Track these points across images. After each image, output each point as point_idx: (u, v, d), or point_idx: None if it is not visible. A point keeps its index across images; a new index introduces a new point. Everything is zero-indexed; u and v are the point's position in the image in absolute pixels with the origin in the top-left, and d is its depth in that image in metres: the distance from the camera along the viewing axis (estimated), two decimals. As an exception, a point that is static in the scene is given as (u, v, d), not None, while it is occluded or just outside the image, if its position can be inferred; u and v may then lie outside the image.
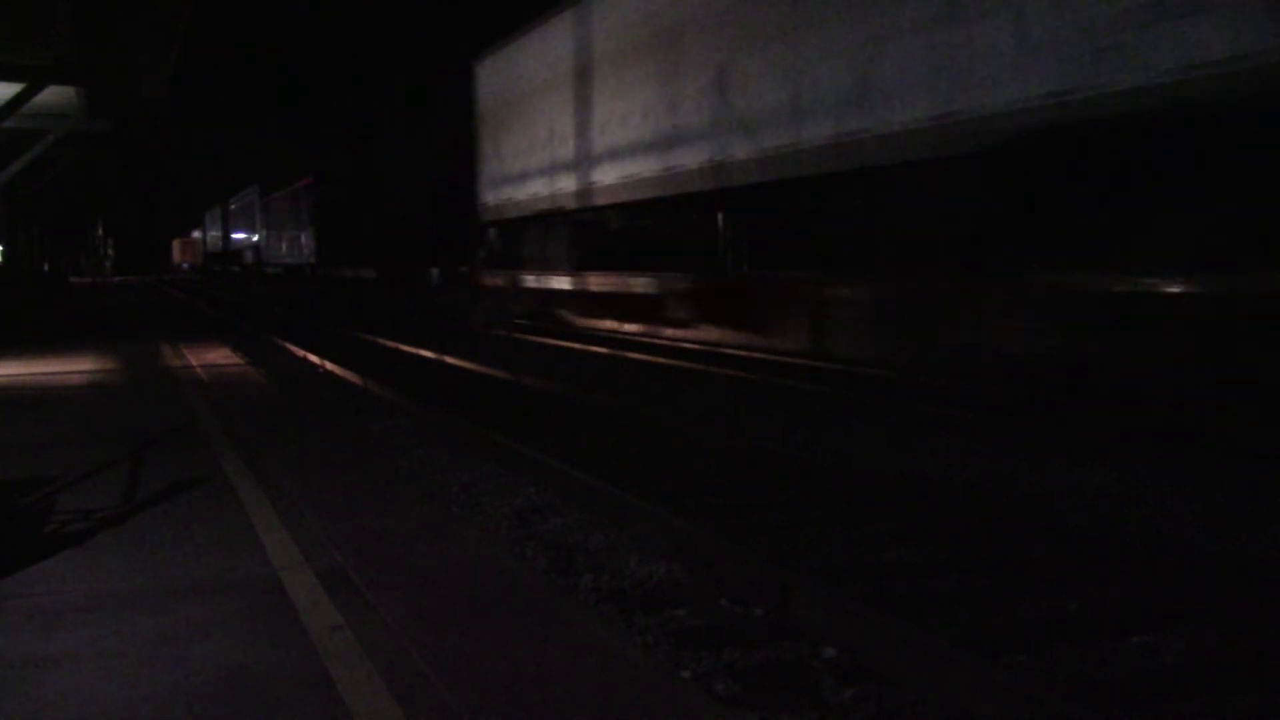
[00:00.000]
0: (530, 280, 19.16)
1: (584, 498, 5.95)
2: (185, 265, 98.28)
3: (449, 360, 13.72)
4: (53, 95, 13.66)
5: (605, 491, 5.80)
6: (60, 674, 3.17)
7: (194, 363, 12.31)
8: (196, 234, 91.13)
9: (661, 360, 13.07)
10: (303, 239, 41.11)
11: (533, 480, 6.56)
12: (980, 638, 3.92)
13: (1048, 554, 4.82)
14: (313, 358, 14.12)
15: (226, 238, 65.19)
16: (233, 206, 62.61)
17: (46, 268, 33.84)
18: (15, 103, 12.98)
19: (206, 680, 3.11)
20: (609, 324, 16.41)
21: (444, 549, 4.44)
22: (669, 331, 14.39)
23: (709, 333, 13.44)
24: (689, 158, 13.45)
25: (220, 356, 13.17)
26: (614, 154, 15.58)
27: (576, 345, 15.47)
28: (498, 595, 3.85)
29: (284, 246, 45.43)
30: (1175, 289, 7.36)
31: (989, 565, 4.82)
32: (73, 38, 11.37)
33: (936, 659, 3.41)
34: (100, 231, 71.60)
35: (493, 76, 20.97)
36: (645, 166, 14.62)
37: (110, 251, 79.95)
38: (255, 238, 53.76)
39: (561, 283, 17.95)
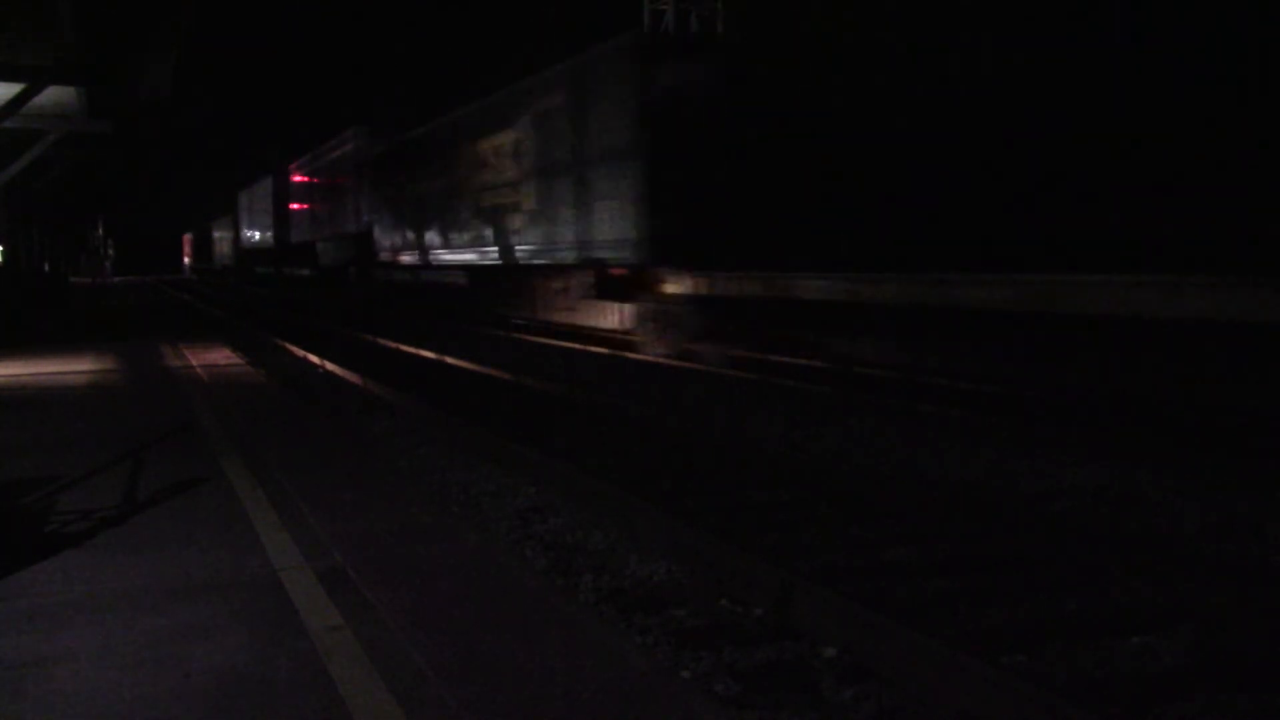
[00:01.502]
0: None
1: (584, 497, 5.94)
2: (201, 267, 75.59)
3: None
4: (53, 95, 13.65)
5: (605, 491, 5.80)
6: (60, 674, 3.17)
7: (194, 363, 12.31)
8: (219, 232, 64.28)
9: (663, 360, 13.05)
10: (584, 203, 15.07)
11: (532, 480, 6.56)
12: (980, 638, 3.93)
13: (1048, 554, 4.82)
14: (313, 358, 14.11)
15: (283, 224, 38.44)
16: (300, 176, 35.28)
17: (46, 268, 33.79)
18: (15, 103, 12.97)
19: (206, 680, 3.11)
20: None
21: (444, 549, 4.44)
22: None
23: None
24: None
25: (220, 356, 13.17)
26: None
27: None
28: (498, 595, 3.85)
29: (457, 229, 20.31)
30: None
31: (989, 565, 4.82)
32: (73, 38, 11.35)
33: (936, 659, 3.42)
34: (100, 231, 71.16)
35: None
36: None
37: (110, 251, 78.57)
38: (354, 218, 28.01)
39: None
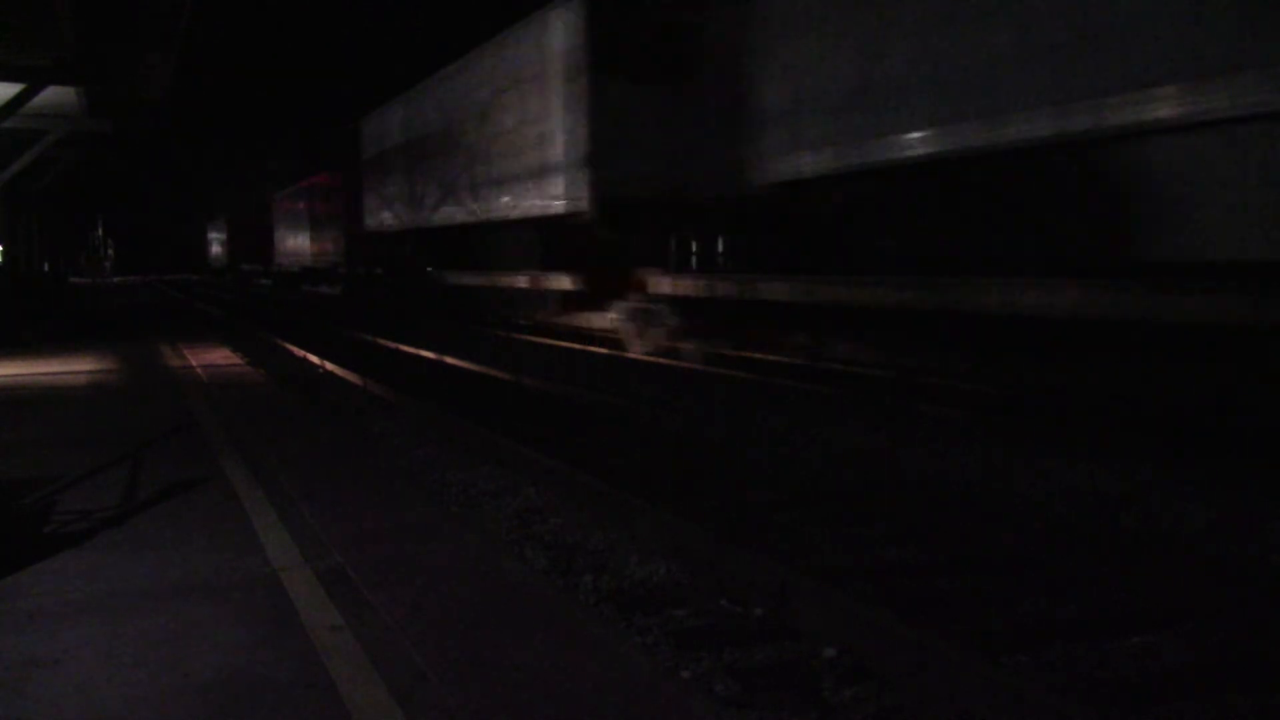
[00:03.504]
0: None
1: (583, 498, 5.94)
2: (251, 269, 51.43)
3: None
4: (53, 95, 13.65)
5: (605, 492, 5.80)
6: (60, 674, 3.17)
7: (194, 363, 12.31)
8: (288, 224, 40.34)
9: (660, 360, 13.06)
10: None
11: (532, 480, 6.56)
12: (980, 638, 3.92)
13: (1048, 554, 4.82)
14: (313, 358, 14.11)
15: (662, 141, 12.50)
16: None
17: (46, 268, 33.71)
18: (15, 103, 12.98)
19: (206, 680, 3.11)
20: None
21: (444, 549, 4.44)
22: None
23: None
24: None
25: (220, 357, 13.17)
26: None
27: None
28: (498, 595, 3.85)
29: None
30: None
31: (989, 565, 4.82)
32: (73, 38, 11.36)
33: (936, 659, 3.41)
34: (100, 231, 70.90)
35: None
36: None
37: (110, 251, 78.00)
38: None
39: None
